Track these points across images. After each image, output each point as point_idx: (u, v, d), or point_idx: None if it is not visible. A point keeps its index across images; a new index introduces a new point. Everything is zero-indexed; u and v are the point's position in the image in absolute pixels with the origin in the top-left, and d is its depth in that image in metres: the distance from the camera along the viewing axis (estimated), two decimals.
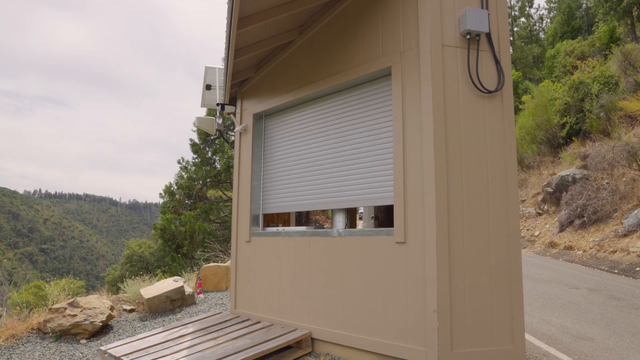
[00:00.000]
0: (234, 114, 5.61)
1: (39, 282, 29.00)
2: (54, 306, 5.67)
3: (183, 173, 22.22)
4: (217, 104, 5.42)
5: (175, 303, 6.80)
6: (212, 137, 21.11)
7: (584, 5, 41.35)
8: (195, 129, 21.49)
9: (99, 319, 5.62)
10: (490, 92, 3.61)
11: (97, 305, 5.81)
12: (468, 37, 3.62)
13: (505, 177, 3.58)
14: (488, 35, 3.70)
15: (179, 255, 21.16)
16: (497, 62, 3.69)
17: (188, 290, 7.07)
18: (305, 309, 4.38)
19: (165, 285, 7.00)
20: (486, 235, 3.48)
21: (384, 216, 5.82)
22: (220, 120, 6.13)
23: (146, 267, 33.58)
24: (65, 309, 5.62)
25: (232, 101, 5.83)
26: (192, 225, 19.85)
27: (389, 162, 3.85)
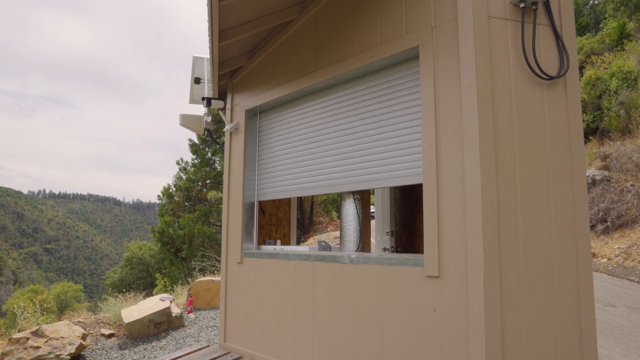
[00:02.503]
0: (223, 110, 4.77)
1: (35, 287, 28.30)
2: (14, 336, 4.85)
3: (182, 174, 21.41)
4: (203, 99, 4.57)
5: (160, 327, 5.97)
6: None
7: (590, 2, 40.39)
8: None
9: (66, 351, 4.79)
10: (551, 78, 2.74)
11: (65, 334, 4.98)
12: (522, 6, 2.75)
13: (572, 188, 2.71)
14: (547, 4, 2.83)
15: (178, 259, 20.41)
16: (558, 38, 2.82)
17: (176, 311, 6.23)
18: (308, 351, 3.52)
19: (150, 305, 6.17)
20: (549, 266, 2.61)
21: (401, 230, 4.97)
22: (209, 118, 5.29)
23: (146, 270, 32.91)
24: (28, 339, 4.80)
25: (223, 96, 4.99)
26: (191, 229, 19.05)
27: (416, 160, 2.99)
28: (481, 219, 2.51)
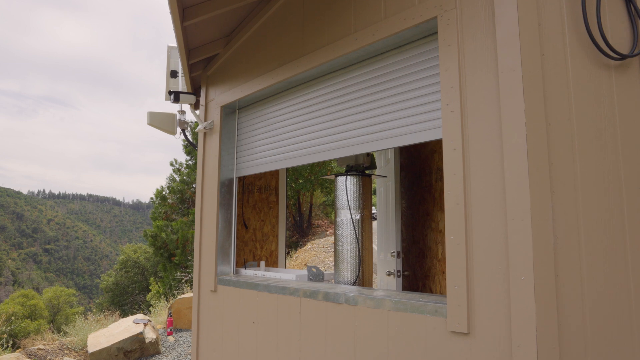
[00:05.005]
0: (197, 107, 4.03)
1: (26, 291, 27.53)
2: None
3: (175, 176, 20.66)
4: (170, 93, 3.82)
5: (131, 355, 5.22)
6: None
7: None
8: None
9: None
10: (622, 57, 1.98)
11: None
12: None
13: None
14: None
15: (172, 264, 19.67)
16: (630, 2, 2.07)
17: (150, 336, 5.48)
18: None
19: (121, 330, 5.42)
20: (627, 323, 1.86)
21: (408, 247, 4.21)
22: (184, 117, 4.54)
23: (142, 273, 32.17)
24: None
25: (199, 91, 4.24)
26: (184, 233, 18.29)
27: (435, 119, 2.24)
28: (531, 256, 1.76)
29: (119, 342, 5.09)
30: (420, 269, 4.02)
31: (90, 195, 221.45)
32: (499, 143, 1.91)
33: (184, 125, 4.47)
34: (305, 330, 2.74)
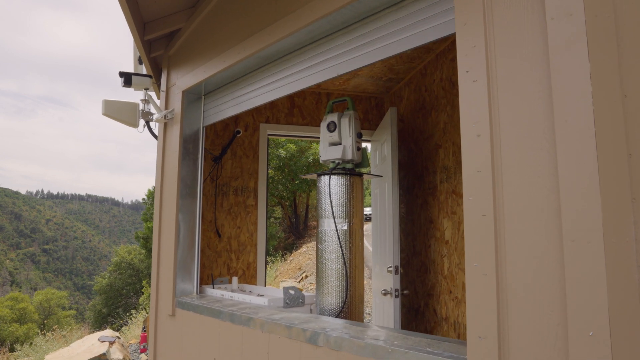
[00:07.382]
0: (150, 91, 3.40)
1: (15, 294, 26.89)
2: None
3: None
4: (120, 75, 3.18)
5: None
6: None
7: None
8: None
9: None
10: None
11: None
12: None
13: None
14: None
15: None
16: None
17: (116, 357, 4.84)
18: None
19: (83, 350, 4.78)
20: None
21: (408, 259, 3.57)
22: (149, 106, 3.90)
23: (136, 275, 31.59)
24: None
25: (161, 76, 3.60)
26: None
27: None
28: (606, 299, 1.12)
29: None
30: (422, 286, 3.38)
31: (89, 196, 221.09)
32: (547, 125, 1.27)
33: (147, 116, 3.82)
34: None
